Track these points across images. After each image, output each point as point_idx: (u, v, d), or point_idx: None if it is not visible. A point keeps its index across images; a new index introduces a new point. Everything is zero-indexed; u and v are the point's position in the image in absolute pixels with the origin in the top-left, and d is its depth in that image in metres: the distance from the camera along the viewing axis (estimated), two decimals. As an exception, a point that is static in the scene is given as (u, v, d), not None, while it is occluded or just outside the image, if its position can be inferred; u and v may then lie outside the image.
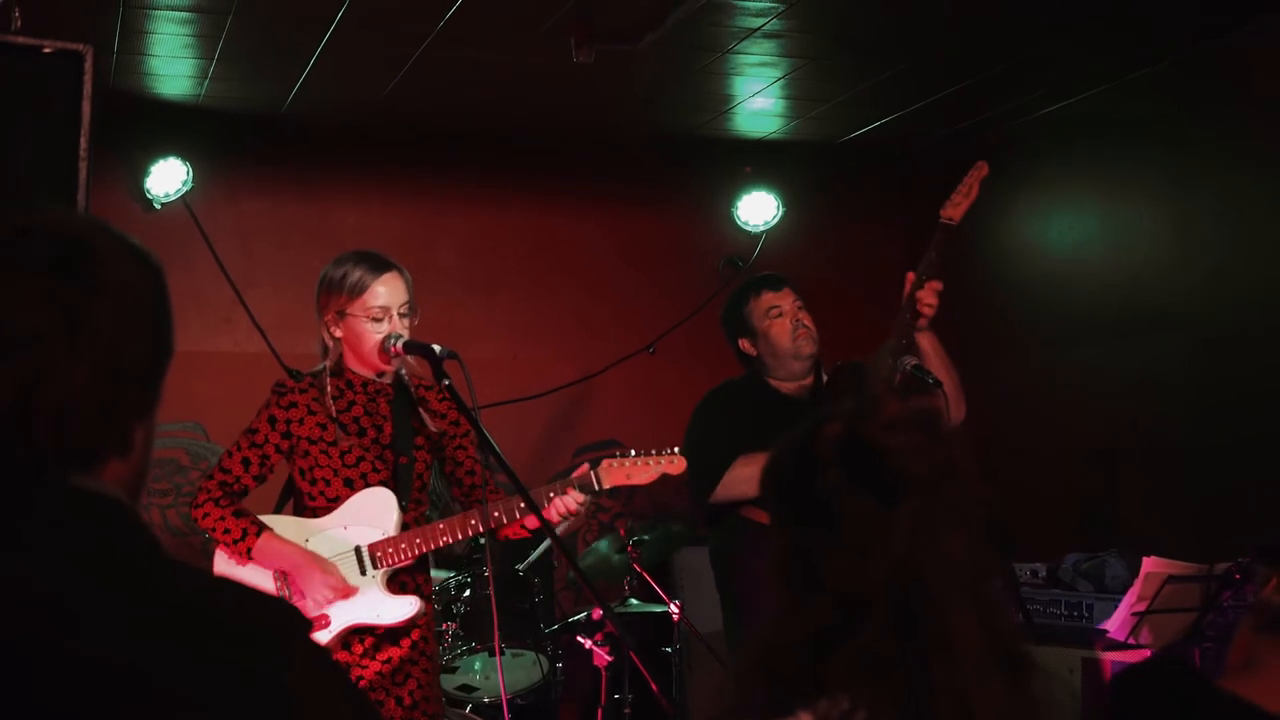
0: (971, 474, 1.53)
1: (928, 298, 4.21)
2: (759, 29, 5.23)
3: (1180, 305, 5.70)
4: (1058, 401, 6.38)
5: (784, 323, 4.44)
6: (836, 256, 7.28)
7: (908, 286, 4.24)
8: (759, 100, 6.25)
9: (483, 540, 3.86)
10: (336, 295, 3.69)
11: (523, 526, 3.74)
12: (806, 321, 4.46)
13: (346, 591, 3.62)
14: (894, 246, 7.56)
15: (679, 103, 6.35)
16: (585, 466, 3.75)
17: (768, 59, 5.64)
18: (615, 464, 3.76)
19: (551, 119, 6.66)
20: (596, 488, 3.72)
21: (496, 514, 3.64)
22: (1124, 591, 4.51)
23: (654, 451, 3.80)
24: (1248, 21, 5.26)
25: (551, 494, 3.68)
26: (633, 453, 3.79)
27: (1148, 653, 4.35)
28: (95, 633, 1.20)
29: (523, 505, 3.61)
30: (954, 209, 4.40)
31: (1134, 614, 4.34)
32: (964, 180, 4.45)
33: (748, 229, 7.28)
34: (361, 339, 3.68)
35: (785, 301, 4.48)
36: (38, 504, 1.26)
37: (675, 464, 3.82)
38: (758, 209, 7.24)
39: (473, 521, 3.66)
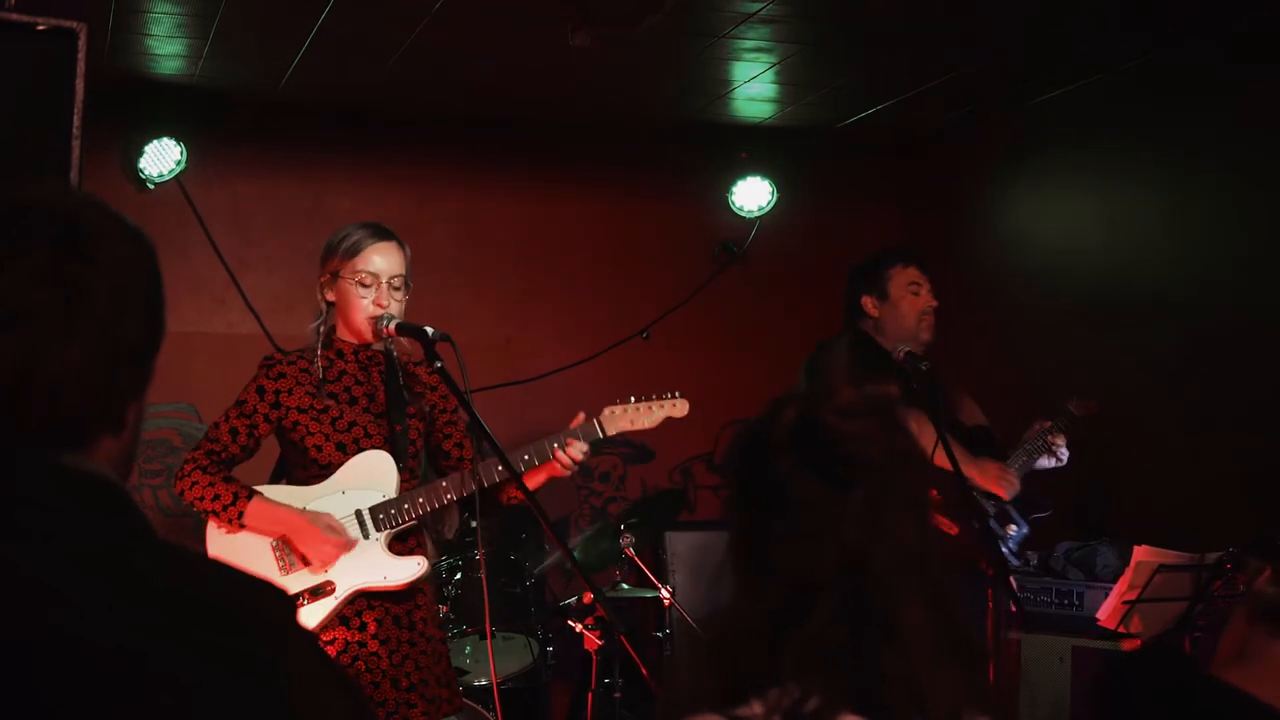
0: (924, 461, 1.53)
1: (1061, 444, 4.78)
2: (755, 14, 5.22)
3: (1175, 295, 5.71)
4: (1051, 390, 6.37)
5: (919, 302, 4.47)
6: (831, 242, 7.27)
7: (1037, 428, 4.77)
8: (755, 85, 6.24)
9: (474, 524, 3.85)
10: (333, 257, 3.71)
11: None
12: (934, 308, 4.50)
13: (349, 546, 3.60)
14: (889, 233, 7.56)
15: (675, 88, 6.34)
16: (581, 416, 3.74)
17: (764, 44, 5.62)
18: (618, 410, 3.76)
19: (547, 103, 6.64)
20: (600, 435, 3.72)
21: (500, 469, 3.60)
22: (1115, 580, 4.53)
23: (654, 396, 3.79)
24: (1244, 14, 5.25)
25: (555, 444, 3.67)
26: (633, 399, 3.78)
27: (1138, 641, 4.37)
28: (90, 623, 1.20)
29: (525, 457, 3.61)
30: (1080, 410, 4.89)
31: (1125, 602, 4.35)
32: (1089, 404, 4.97)
33: (742, 214, 7.28)
34: (349, 304, 3.68)
35: (926, 284, 4.52)
36: (34, 487, 1.26)
37: (678, 407, 3.82)
38: (753, 194, 7.24)
39: (475, 479, 3.63)
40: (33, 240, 1.27)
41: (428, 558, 3.74)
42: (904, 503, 1.48)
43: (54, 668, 1.17)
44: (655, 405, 3.78)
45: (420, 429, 3.77)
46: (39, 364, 1.25)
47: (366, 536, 3.64)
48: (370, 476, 3.65)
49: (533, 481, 3.71)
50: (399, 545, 3.69)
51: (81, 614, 1.20)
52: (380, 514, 3.64)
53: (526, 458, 3.62)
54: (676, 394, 3.81)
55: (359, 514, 3.64)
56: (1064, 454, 4.69)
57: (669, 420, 3.84)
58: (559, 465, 3.70)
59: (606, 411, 3.75)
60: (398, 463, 3.66)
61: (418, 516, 3.65)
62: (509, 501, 3.79)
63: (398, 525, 3.64)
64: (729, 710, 1.40)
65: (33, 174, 3.26)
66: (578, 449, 3.69)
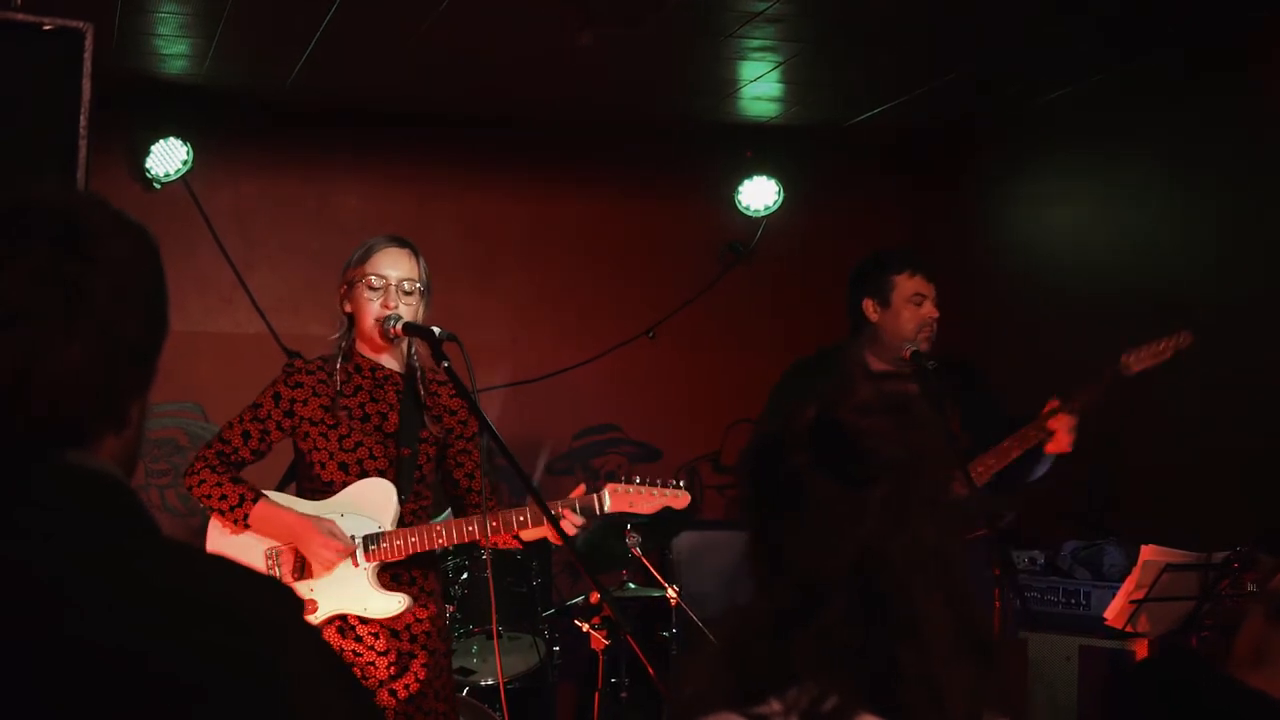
0: (944, 459, 1.52)
1: (1062, 430, 4.25)
2: (761, 13, 5.21)
3: (1177, 294, 5.69)
4: (1056, 389, 6.37)
5: (920, 313, 4.41)
6: (837, 242, 7.25)
7: (1045, 409, 4.31)
8: (761, 85, 6.23)
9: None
10: (349, 267, 3.75)
11: (515, 538, 3.72)
12: (935, 319, 4.43)
13: (349, 551, 3.61)
14: (894, 232, 7.55)
15: (681, 87, 6.33)
16: (582, 488, 3.74)
17: (770, 43, 5.62)
18: (620, 489, 3.76)
19: (553, 102, 6.64)
20: (598, 511, 3.72)
21: (495, 524, 3.62)
22: (1122, 579, 4.52)
23: (659, 482, 3.81)
24: (1250, 14, 5.25)
25: (552, 511, 3.66)
26: (637, 480, 3.80)
27: (1145, 641, 4.36)
28: (90, 623, 1.20)
29: (520, 518, 3.61)
30: (1137, 363, 4.35)
31: (1132, 602, 4.35)
32: (1164, 342, 4.35)
33: (749, 214, 7.27)
34: (360, 308, 3.70)
35: (930, 295, 4.43)
36: (35, 486, 1.26)
37: (680, 499, 3.83)
38: (759, 194, 7.23)
39: (470, 528, 3.63)
40: (32, 240, 1.27)
41: (429, 590, 3.74)
42: (923, 501, 1.47)
43: (54, 668, 1.17)
44: (658, 492, 3.79)
45: (431, 454, 3.78)
46: (39, 364, 1.25)
47: (356, 564, 3.65)
48: (370, 505, 3.67)
49: (528, 534, 3.71)
50: (400, 573, 3.70)
51: (81, 614, 1.20)
52: (372, 544, 3.65)
53: (521, 519, 3.63)
54: (680, 484, 3.83)
55: (352, 540, 3.66)
56: (1068, 440, 4.27)
57: (667, 509, 3.85)
58: (551, 535, 3.67)
59: (609, 488, 3.75)
60: (400, 492, 3.68)
61: (406, 555, 3.66)
62: (495, 545, 3.80)
63: (387, 559, 3.66)
64: (748, 709, 1.40)
65: (39, 173, 3.27)
66: (573, 522, 3.66)
